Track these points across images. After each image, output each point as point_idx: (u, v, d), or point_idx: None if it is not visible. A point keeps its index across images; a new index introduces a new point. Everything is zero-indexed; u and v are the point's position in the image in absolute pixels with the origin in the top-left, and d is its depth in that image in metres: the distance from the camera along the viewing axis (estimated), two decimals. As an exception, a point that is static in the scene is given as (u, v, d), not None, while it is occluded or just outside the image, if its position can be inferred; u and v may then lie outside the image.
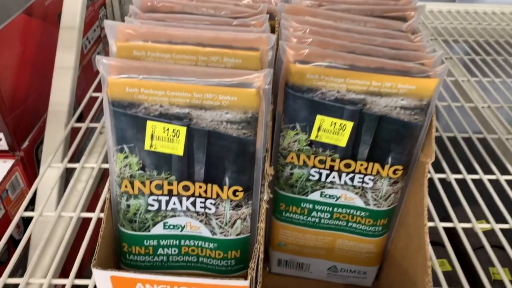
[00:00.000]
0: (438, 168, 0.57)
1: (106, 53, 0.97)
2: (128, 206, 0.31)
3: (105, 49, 0.97)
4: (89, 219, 0.48)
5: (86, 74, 0.84)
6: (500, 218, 0.51)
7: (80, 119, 0.67)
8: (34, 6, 0.67)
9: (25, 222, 0.64)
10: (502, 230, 0.49)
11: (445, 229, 0.48)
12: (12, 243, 0.60)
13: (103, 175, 0.62)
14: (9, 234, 0.48)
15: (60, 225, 0.49)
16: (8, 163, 0.62)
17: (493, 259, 0.46)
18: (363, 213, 0.35)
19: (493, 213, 0.52)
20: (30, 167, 0.66)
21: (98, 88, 0.72)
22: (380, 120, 0.31)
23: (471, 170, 0.57)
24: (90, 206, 0.55)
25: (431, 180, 0.55)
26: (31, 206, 0.56)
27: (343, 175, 0.34)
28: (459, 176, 0.55)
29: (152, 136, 0.29)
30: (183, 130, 0.29)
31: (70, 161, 0.56)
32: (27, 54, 0.66)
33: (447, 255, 0.56)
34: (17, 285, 0.43)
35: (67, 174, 0.61)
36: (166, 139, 0.29)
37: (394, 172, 0.33)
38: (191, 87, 0.28)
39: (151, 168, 0.30)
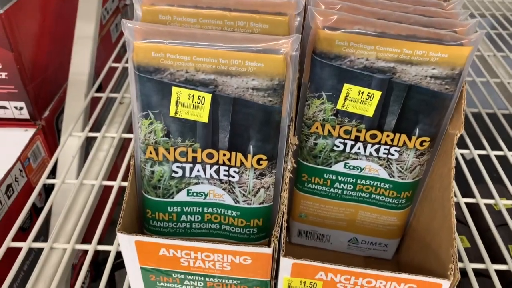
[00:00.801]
0: (461, 143, 0.56)
1: (124, 24, 0.96)
2: (153, 172, 0.31)
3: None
4: (110, 188, 0.48)
5: (105, 46, 0.83)
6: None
7: (99, 89, 0.67)
8: (53, -26, 0.67)
9: (46, 190, 0.65)
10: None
11: (466, 206, 0.48)
12: (34, 210, 0.61)
13: (122, 146, 0.62)
14: (32, 201, 0.48)
15: (82, 192, 0.49)
16: (30, 132, 0.63)
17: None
18: (387, 185, 0.35)
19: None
20: (50, 136, 0.66)
21: (117, 59, 0.71)
22: (409, 89, 0.30)
23: (495, 146, 0.56)
24: (111, 175, 0.56)
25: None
26: (51, 175, 0.57)
27: (369, 146, 0.33)
28: (483, 152, 0.54)
29: (177, 103, 0.29)
30: (208, 96, 0.29)
31: (90, 130, 0.56)
32: (47, 23, 0.65)
33: (465, 232, 0.56)
34: (40, 250, 0.44)
35: (86, 144, 0.61)
36: (191, 105, 0.29)
37: (421, 143, 0.32)
38: (217, 53, 0.28)
39: (176, 135, 0.30)
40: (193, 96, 0.29)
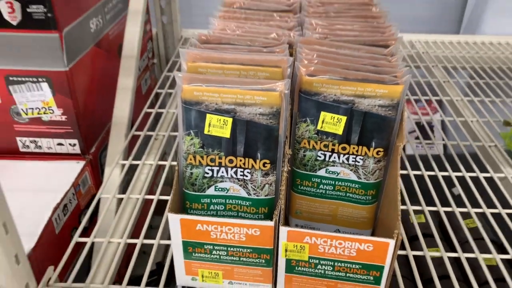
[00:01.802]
0: (428, 167, 0.69)
1: (152, 80, 1.14)
2: (191, 173, 0.46)
3: (151, 76, 1.14)
4: (150, 202, 0.62)
5: (137, 96, 1.00)
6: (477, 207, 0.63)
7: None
8: (102, 39, 0.85)
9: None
10: (476, 213, 0.61)
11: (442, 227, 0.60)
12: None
13: (157, 172, 0.77)
14: (86, 219, 0.62)
15: (129, 205, 0.63)
16: (80, 164, 0.78)
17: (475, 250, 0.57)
18: (356, 185, 0.49)
19: (470, 201, 0.64)
20: (95, 168, 0.81)
21: (151, 106, 0.88)
22: (365, 115, 0.45)
23: (456, 169, 0.69)
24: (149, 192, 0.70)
25: (421, 177, 0.67)
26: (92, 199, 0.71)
27: (341, 155, 0.47)
28: (445, 174, 0.68)
29: (209, 124, 0.44)
30: (230, 120, 0.43)
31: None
32: (96, 77, 0.82)
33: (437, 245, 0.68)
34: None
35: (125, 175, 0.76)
36: (218, 126, 0.44)
37: (377, 153, 0.46)
38: (236, 91, 0.43)
39: (208, 146, 0.45)
40: (220, 120, 0.44)
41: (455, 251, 0.56)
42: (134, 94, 0.85)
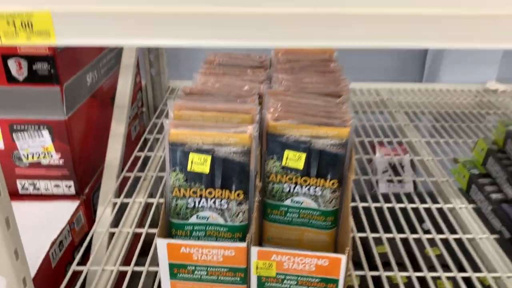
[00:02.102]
0: (387, 200, 0.78)
1: (141, 127, 1.23)
2: (176, 204, 0.54)
3: (140, 123, 1.23)
4: (139, 234, 0.70)
5: (126, 142, 1.09)
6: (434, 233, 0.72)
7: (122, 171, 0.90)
8: (97, 91, 0.94)
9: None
10: (428, 239, 0.70)
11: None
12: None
13: (146, 208, 0.84)
14: (80, 255, 0.69)
15: (120, 238, 0.70)
16: (75, 203, 0.85)
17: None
18: (317, 213, 0.57)
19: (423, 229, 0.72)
20: (88, 208, 0.89)
21: (140, 150, 0.96)
22: (320, 152, 0.54)
23: (412, 201, 0.78)
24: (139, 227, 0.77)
25: (381, 209, 0.76)
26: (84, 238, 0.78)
27: (303, 187, 0.56)
28: (402, 205, 0.77)
29: (192, 162, 0.53)
30: (209, 158, 0.52)
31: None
32: (91, 124, 0.91)
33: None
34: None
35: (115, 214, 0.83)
36: (199, 163, 0.53)
37: (333, 184, 0.55)
38: (214, 134, 0.52)
39: (191, 181, 0.53)
40: (200, 158, 0.52)
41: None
42: (125, 139, 0.94)
